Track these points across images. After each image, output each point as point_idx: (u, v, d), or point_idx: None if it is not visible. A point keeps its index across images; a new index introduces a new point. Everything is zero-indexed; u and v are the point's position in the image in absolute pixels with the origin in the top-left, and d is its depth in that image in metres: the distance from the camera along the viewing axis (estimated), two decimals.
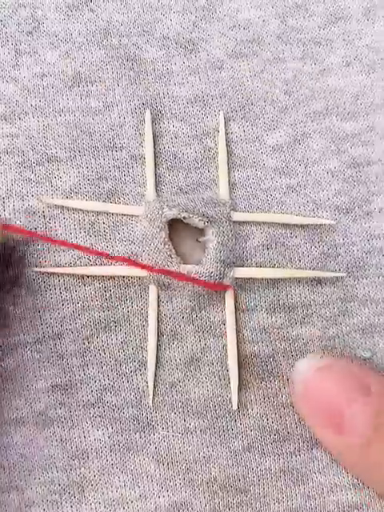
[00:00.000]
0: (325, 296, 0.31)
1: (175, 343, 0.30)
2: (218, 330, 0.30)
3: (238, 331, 0.30)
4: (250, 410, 0.30)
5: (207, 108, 0.32)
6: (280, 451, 0.30)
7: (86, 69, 0.31)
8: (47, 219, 0.30)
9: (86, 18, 0.32)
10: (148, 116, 0.31)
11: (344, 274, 0.31)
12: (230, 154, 0.31)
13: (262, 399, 0.30)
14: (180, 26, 0.32)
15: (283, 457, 0.30)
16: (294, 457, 0.30)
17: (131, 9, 0.32)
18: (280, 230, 0.31)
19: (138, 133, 0.31)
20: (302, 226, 0.31)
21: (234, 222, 0.31)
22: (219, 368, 0.30)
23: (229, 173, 0.31)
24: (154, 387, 0.30)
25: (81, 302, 0.29)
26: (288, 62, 0.32)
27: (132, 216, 0.30)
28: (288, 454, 0.30)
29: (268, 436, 0.30)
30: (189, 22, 0.32)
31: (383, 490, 0.28)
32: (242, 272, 0.30)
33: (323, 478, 0.30)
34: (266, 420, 0.30)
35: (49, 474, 0.29)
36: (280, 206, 0.31)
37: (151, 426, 0.29)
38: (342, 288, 0.31)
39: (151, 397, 0.29)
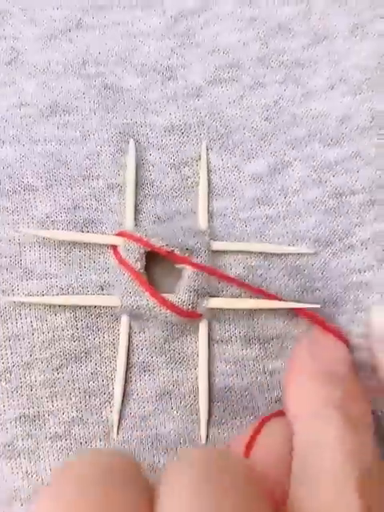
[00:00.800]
0: (301, 329, 0.30)
1: (146, 375, 0.30)
2: (191, 361, 0.30)
3: (211, 363, 0.30)
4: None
5: (185, 137, 0.31)
6: None
7: (63, 98, 0.31)
8: (22, 247, 0.30)
9: (64, 48, 0.32)
10: (132, 145, 0.31)
11: (318, 306, 0.29)
12: (208, 183, 0.31)
13: (235, 436, 0.29)
14: (158, 53, 0.32)
15: None
16: None
17: (109, 37, 0.32)
18: (258, 262, 0.30)
19: (114, 162, 0.31)
20: (280, 258, 0.30)
21: (212, 251, 0.30)
22: (192, 401, 0.29)
23: (207, 202, 0.31)
24: (124, 420, 0.29)
25: (51, 332, 0.29)
26: (269, 86, 0.31)
27: (107, 245, 0.30)
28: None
29: None
30: (167, 49, 0.32)
31: None
32: (215, 302, 0.30)
33: None
34: None
35: (13, 506, 0.29)
36: (258, 236, 0.30)
37: None
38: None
39: (116, 430, 0.29)
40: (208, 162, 0.31)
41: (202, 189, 0.31)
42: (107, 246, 0.30)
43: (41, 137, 0.31)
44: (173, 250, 0.29)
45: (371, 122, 0.31)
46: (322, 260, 0.30)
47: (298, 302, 0.30)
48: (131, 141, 0.31)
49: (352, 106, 0.31)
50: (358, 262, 0.30)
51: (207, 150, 0.31)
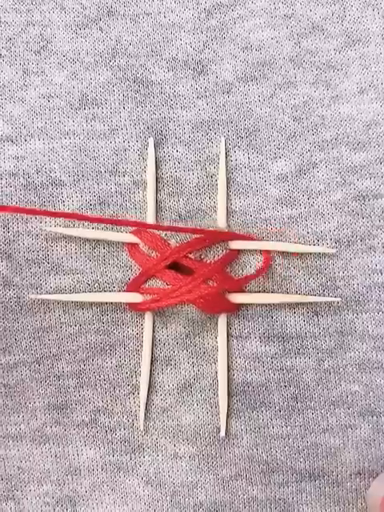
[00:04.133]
0: (321, 328, 0.31)
1: (169, 369, 0.31)
2: (211, 356, 0.31)
3: (230, 358, 0.31)
4: (239, 440, 0.31)
5: (212, 134, 0.31)
6: (268, 481, 0.31)
7: (93, 90, 0.31)
8: (49, 242, 0.30)
9: (94, 37, 0.31)
10: (151, 143, 0.31)
11: (339, 299, 0.30)
12: (232, 181, 0.31)
13: (253, 429, 0.31)
14: (190, 46, 0.31)
15: (271, 487, 0.31)
16: (281, 488, 0.31)
17: (140, 28, 0.31)
18: (278, 260, 0.31)
19: (141, 158, 0.31)
20: (300, 258, 0.31)
21: (231, 249, 0.31)
22: (211, 395, 0.31)
23: (229, 200, 0.31)
24: (146, 411, 0.31)
25: (78, 325, 0.30)
26: (299, 86, 0.31)
27: (124, 243, 0.31)
28: (276, 484, 0.31)
29: (257, 466, 0.31)
30: (199, 43, 0.31)
31: None
32: (239, 298, 0.30)
33: (310, 509, 0.31)
34: (255, 450, 0.31)
35: (43, 486, 0.30)
36: (279, 236, 0.31)
37: (142, 449, 0.31)
38: (340, 321, 0.31)
39: (142, 421, 0.30)
40: (233, 160, 0.31)
41: (221, 187, 0.31)
42: (124, 244, 0.31)
43: (69, 130, 0.31)
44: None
45: None
46: (344, 260, 0.31)
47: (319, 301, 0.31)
48: (150, 139, 0.31)
49: (380, 112, 0.31)
50: (379, 263, 0.31)
51: (234, 147, 0.31)
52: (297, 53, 0.31)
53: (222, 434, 0.30)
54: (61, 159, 0.31)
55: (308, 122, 0.31)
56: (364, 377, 0.31)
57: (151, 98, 0.31)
